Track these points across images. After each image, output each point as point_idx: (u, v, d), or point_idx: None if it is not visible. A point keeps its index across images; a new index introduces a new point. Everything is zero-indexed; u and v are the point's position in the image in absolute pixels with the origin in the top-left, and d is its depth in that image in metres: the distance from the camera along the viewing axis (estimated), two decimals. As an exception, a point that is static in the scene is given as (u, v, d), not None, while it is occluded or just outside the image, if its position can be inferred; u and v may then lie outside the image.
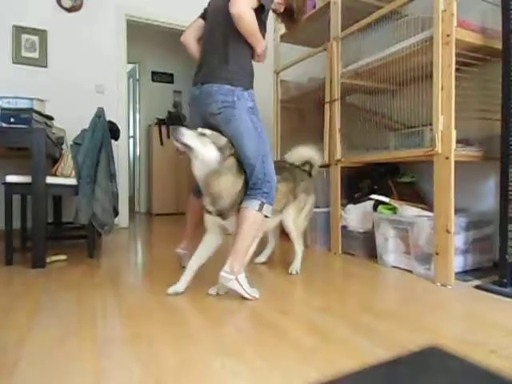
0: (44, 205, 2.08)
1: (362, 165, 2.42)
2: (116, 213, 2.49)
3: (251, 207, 1.52)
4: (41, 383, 0.91)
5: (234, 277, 1.49)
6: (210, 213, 1.60)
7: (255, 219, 1.53)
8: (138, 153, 5.55)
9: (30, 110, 2.14)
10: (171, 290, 1.59)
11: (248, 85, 1.63)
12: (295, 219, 2.01)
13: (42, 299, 1.54)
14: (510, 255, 1.60)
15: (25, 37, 3.29)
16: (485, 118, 1.92)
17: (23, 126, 2.09)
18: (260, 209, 1.52)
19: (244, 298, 1.51)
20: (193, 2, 3.98)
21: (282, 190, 1.81)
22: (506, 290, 1.57)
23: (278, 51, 3.04)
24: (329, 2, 2.47)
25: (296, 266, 1.99)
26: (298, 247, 2.03)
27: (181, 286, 1.61)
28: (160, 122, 5.13)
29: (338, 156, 2.37)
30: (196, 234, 1.99)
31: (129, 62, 4.14)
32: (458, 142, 1.68)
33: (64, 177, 2.29)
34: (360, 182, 2.52)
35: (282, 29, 2.93)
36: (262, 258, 2.20)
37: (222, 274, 1.50)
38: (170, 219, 4.60)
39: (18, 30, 3.25)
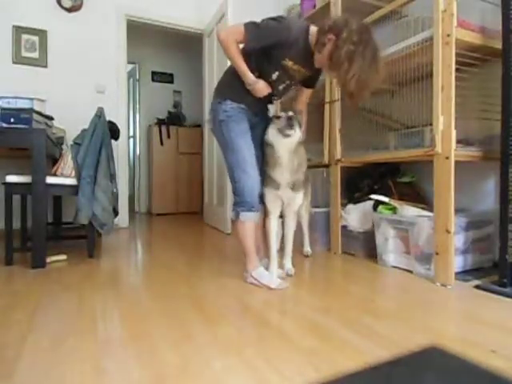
0: (44, 205, 2.08)
1: (361, 165, 2.42)
2: (116, 213, 2.49)
3: (232, 217, 1.76)
4: (41, 383, 0.91)
5: (248, 274, 1.73)
6: (277, 188, 1.73)
7: (237, 227, 1.74)
8: (137, 153, 5.54)
9: (30, 110, 2.14)
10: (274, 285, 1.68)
11: (225, 95, 1.71)
12: (306, 205, 2.26)
13: (41, 299, 1.54)
14: (510, 255, 1.60)
15: (25, 37, 3.28)
16: (485, 118, 1.91)
17: (23, 126, 2.09)
18: (236, 218, 1.71)
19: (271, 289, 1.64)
20: (193, 3, 3.99)
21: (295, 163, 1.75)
22: (506, 290, 1.57)
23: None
24: (329, 2, 2.47)
25: (309, 247, 2.38)
26: (306, 230, 2.36)
27: (277, 278, 1.73)
28: (160, 122, 5.13)
29: (338, 156, 2.37)
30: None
31: (129, 62, 4.13)
32: (458, 142, 1.68)
33: (64, 177, 2.29)
34: (360, 182, 2.52)
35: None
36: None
37: (244, 273, 1.77)
38: (170, 219, 4.60)
39: (18, 30, 3.25)
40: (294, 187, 1.75)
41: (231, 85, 1.72)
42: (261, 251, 1.91)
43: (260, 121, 1.84)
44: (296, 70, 1.69)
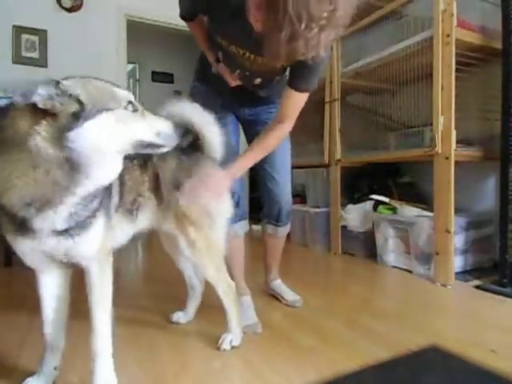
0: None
1: (361, 165, 2.42)
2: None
3: None
4: (41, 383, 0.91)
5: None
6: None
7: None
8: (138, 153, 5.55)
9: (30, 110, 2.14)
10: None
11: (193, 80, 1.51)
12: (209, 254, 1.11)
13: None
14: (510, 255, 1.60)
15: (25, 37, 3.28)
16: (485, 117, 1.91)
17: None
18: None
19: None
20: (193, 2, 3.99)
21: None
22: (506, 289, 1.57)
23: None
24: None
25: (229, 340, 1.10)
26: (232, 311, 1.13)
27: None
28: (160, 122, 5.13)
29: (338, 156, 2.37)
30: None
31: (129, 62, 4.13)
32: (458, 141, 1.68)
33: (64, 177, 2.29)
34: (360, 182, 2.52)
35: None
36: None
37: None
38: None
39: (18, 30, 3.25)
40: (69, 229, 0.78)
41: (196, 71, 1.51)
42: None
43: (253, 117, 1.43)
44: (240, 56, 1.14)
